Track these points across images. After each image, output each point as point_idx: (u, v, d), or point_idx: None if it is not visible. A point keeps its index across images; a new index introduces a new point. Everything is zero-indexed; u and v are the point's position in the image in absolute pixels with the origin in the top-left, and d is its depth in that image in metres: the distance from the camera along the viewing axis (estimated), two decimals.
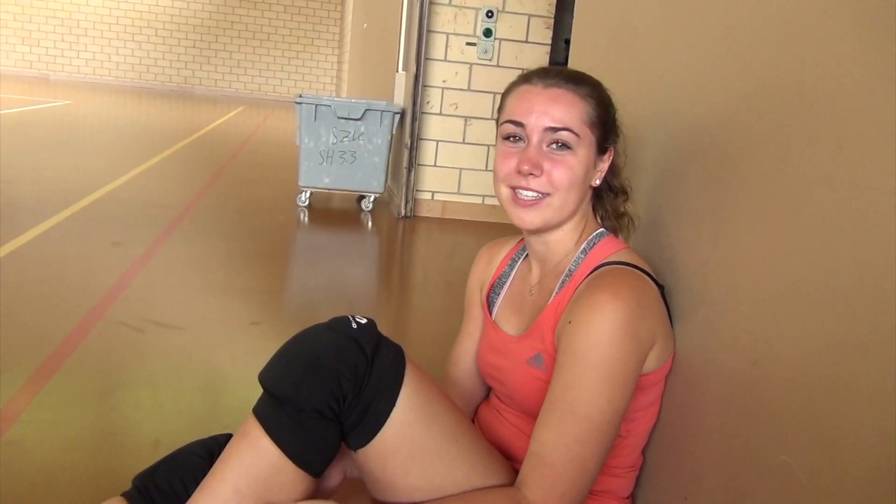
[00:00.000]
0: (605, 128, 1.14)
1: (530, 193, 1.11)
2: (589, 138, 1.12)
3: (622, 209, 1.24)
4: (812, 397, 0.89)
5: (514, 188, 1.13)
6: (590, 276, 1.11)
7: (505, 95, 1.17)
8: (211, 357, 2.30)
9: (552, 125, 1.09)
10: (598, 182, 1.17)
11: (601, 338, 1.01)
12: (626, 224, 1.25)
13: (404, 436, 1.04)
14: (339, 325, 1.06)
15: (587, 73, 1.19)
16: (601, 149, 1.15)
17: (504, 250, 1.33)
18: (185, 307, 2.75)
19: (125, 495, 1.17)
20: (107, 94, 13.98)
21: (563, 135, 1.09)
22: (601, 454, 1.03)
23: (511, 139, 1.13)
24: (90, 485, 1.55)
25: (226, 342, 2.45)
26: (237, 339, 2.48)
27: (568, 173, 1.10)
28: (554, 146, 1.10)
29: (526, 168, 1.09)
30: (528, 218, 1.13)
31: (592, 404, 1.01)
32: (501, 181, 1.14)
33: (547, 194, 1.11)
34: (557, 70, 1.14)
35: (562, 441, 1.01)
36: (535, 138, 1.10)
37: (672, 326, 1.18)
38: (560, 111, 1.09)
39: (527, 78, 1.15)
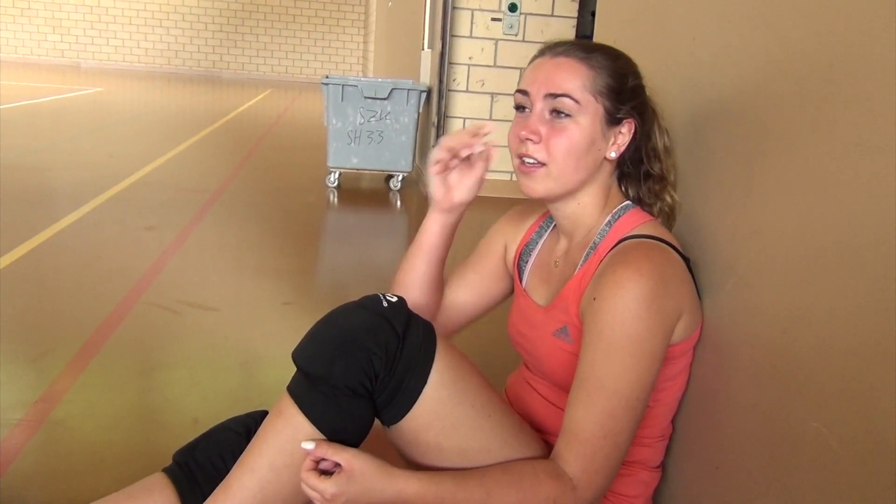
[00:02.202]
0: (618, 98, 1.11)
1: (530, 160, 1.11)
2: (593, 106, 1.09)
3: (662, 196, 1.20)
4: (843, 364, 0.88)
5: (520, 157, 1.13)
6: (613, 251, 1.10)
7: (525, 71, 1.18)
8: (245, 336, 2.34)
9: (551, 91, 1.09)
10: (613, 155, 1.14)
11: (626, 314, 1.01)
12: (664, 212, 1.21)
13: (436, 412, 1.05)
14: (370, 304, 1.07)
15: (612, 44, 1.18)
16: (613, 119, 1.12)
17: (532, 217, 1.33)
18: (218, 289, 2.79)
19: (166, 471, 1.21)
20: (136, 81, 14.13)
21: (562, 101, 1.08)
22: (632, 428, 1.04)
23: (520, 109, 1.14)
24: (132, 461, 1.60)
25: (259, 322, 2.49)
26: (270, 319, 2.52)
27: (565, 141, 1.09)
28: (556, 114, 1.10)
29: (524, 134, 1.10)
30: (530, 184, 1.13)
31: (621, 380, 1.02)
32: (511, 153, 1.15)
33: (543, 164, 1.10)
34: (572, 41, 1.14)
35: (593, 418, 1.02)
36: (537, 106, 1.10)
37: (700, 297, 1.17)
38: (561, 78, 1.09)
39: (541, 51, 1.15)
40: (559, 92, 1.08)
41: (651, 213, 1.21)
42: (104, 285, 2.72)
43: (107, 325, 2.32)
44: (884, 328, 0.82)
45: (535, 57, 1.16)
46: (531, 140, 1.10)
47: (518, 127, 1.12)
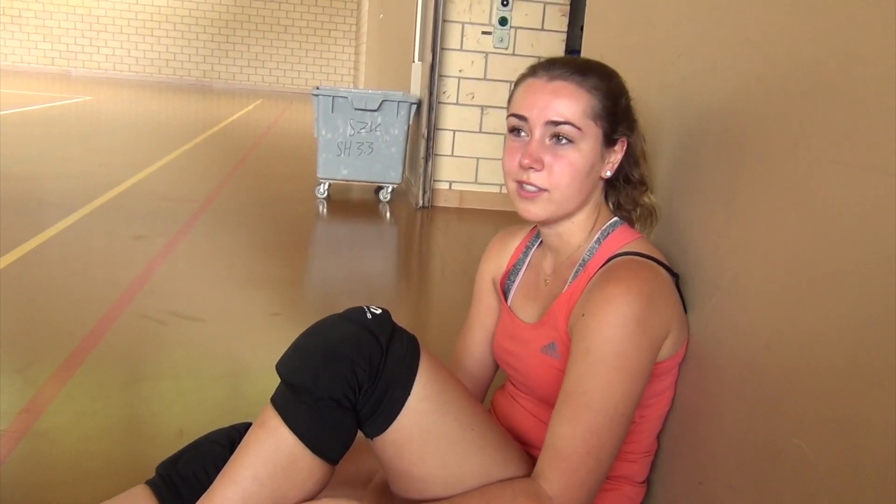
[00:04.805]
0: (614, 119, 1.12)
1: (532, 187, 1.11)
2: (593, 131, 1.10)
3: (641, 200, 1.23)
4: (824, 380, 0.89)
5: (519, 182, 1.13)
6: (602, 268, 1.11)
7: (514, 88, 1.17)
8: (232, 348, 2.34)
9: (553, 119, 1.09)
10: (608, 174, 1.16)
11: (613, 331, 1.02)
12: (644, 215, 1.24)
13: (419, 424, 1.05)
14: (354, 316, 1.07)
15: (600, 60, 1.19)
16: (609, 141, 1.13)
17: (518, 238, 1.34)
18: (206, 299, 2.78)
19: (149, 483, 1.20)
20: (127, 89, 14.11)
21: (565, 129, 1.09)
22: (616, 445, 1.05)
23: (515, 133, 1.13)
24: (115, 473, 1.59)
25: (246, 333, 2.48)
26: (258, 330, 2.52)
27: (568, 168, 1.10)
28: (556, 140, 1.10)
29: (526, 162, 1.10)
30: (532, 209, 1.13)
31: (606, 397, 1.02)
32: (508, 176, 1.15)
33: (546, 190, 1.11)
34: (565, 61, 1.13)
35: (577, 434, 1.02)
36: (537, 132, 1.10)
37: (686, 314, 1.18)
38: (562, 105, 1.09)
39: (533, 70, 1.14)
40: (561, 119, 1.08)
41: (631, 219, 1.23)
42: (91, 295, 2.71)
43: (93, 335, 2.31)
44: (864, 343, 0.83)
45: (527, 76, 1.15)
46: (534, 168, 1.10)
47: (516, 152, 1.12)
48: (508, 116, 1.14)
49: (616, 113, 1.13)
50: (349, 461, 1.26)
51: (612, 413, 1.02)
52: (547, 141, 1.10)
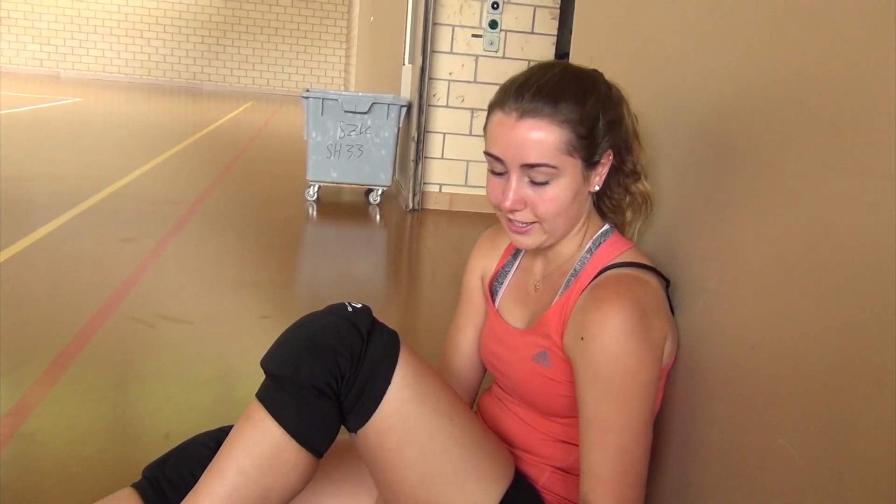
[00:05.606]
0: (592, 144, 1.09)
1: (520, 223, 1.13)
2: (570, 163, 1.08)
3: (632, 188, 1.21)
4: (809, 382, 0.89)
5: (507, 217, 1.14)
6: (594, 282, 1.11)
7: (488, 114, 1.14)
8: (221, 351, 2.33)
9: (527, 162, 1.07)
10: (597, 188, 1.15)
11: (617, 351, 1.03)
12: (636, 203, 1.23)
13: (400, 413, 1.06)
14: (335, 310, 1.09)
15: (589, 63, 1.18)
16: (591, 164, 1.11)
17: (506, 238, 1.33)
18: (195, 302, 2.78)
19: (135, 486, 1.20)
20: (116, 91, 14.05)
21: (541, 170, 1.07)
22: (646, 454, 1.07)
23: (494, 171, 1.13)
24: (102, 476, 1.58)
25: (236, 336, 2.47)
26: (247, 333, 2.51)
27: (551, 204, 1.10)
28: (534, 180, 1.09)
29: (508, 205, 1.10)
30: (524, 241, 1.15)
31: (625, 415, 1.04)
32: (495, 209, 1.16)
33: (535, 222, 1.12)
34: (536, 87, 1.07)
35: (609, 456, 1.04)
36: (514, 176, 1.09)
37: (673, 316, 1.19)
38: (534, 146, 1.06)
39: (502, 101, 1.10)
40: (535, 162, 1.07)
41: (622, 208, 1.22)
42: (79, 297, 2.69)
43: (80, 337, 2.30)
44: (850, 345, 0.84)
45: (496, 108, 1.11)
46: (517, 209, 1.11)
47: (498, 188, 1.12)
48: (485, 152, 1.13)
49: (594, 137, 1.09)
50: (338, 461, 1.27)
51: (636, 427, 1.05)
52: (526, 179, 1.10)
